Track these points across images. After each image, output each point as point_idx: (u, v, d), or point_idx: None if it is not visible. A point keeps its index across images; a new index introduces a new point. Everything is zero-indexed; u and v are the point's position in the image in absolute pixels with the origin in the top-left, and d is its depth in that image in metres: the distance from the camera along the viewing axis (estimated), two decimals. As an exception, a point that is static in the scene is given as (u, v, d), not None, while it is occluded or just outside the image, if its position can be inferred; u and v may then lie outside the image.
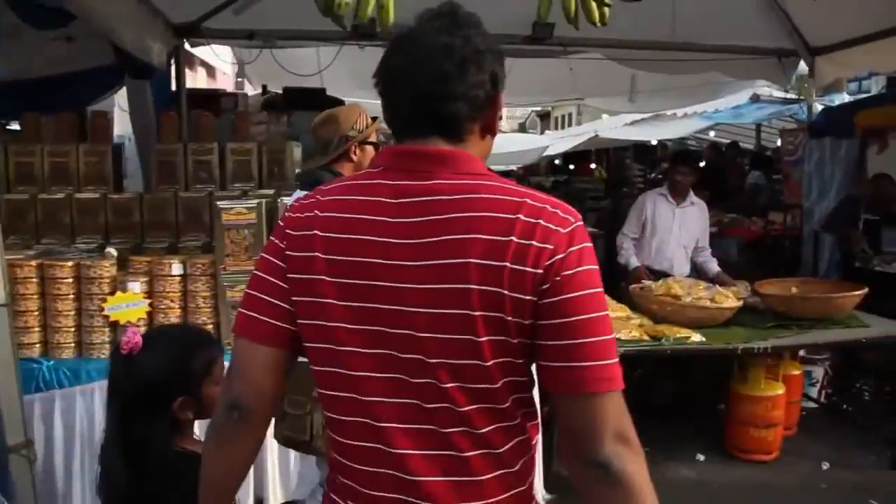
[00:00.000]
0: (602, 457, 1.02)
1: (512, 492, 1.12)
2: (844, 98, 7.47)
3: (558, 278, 1.03)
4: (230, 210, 3.21)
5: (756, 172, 8.76)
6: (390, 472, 1.10)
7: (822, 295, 3.97)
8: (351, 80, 6.91)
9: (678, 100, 8.25)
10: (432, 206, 1.07)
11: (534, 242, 1.03)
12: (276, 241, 1.18)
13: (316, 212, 1.14)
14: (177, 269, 3.17)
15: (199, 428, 1.78)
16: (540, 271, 1.03)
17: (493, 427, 1.08)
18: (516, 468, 1.12)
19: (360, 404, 1.11)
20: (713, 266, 4.75)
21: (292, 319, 1.15)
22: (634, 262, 4.67)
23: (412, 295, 1.06)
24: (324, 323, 1.12)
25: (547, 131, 20.75)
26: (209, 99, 5.80)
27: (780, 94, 8.01)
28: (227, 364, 1.25)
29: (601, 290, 1.07)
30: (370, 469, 1.12)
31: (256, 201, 3.23)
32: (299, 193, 2.28)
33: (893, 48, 5.58)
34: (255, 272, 1.20)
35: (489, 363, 1.05)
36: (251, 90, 7.31)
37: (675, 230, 4.63)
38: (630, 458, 1.04)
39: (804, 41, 6.26)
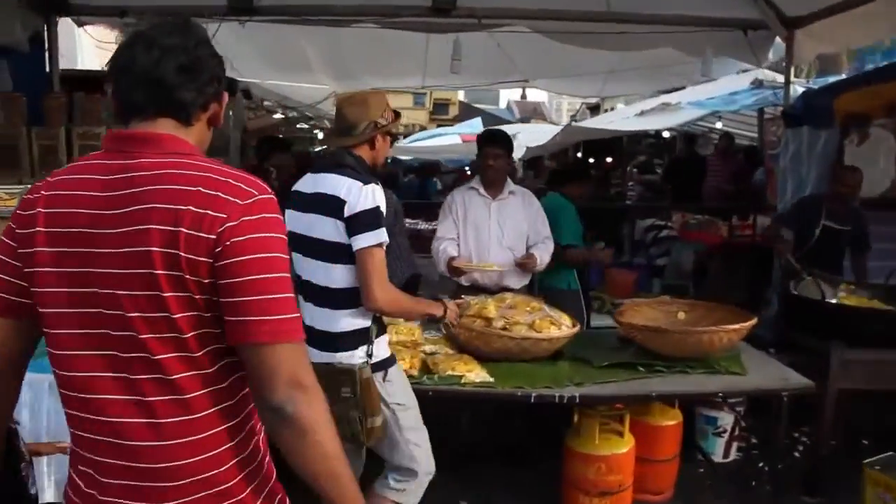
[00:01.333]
0: (276, 402, 1.20)
1: (196, 436, 1.24)
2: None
3: (229, 243, 1.19)
4: None
5: (763, 168, 7.58)
6: (94, 417, 1.25)
7: (677, 329, 3.05)
8: (251, 59, 6.51)
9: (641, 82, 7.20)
10: (132, 181, 1.22)
11: (209, 212, 1.19)
12: (11, 223, 1.32)
13: (42, 192, 1.29)
14: None
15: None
16: (213, 236, 1.19)
17: (183, 375, 1.22)
18: (200, 415, 1.24)
19: (77, 359, 1.25)
20: (533, 249, 3.68)
21: (28, 293, 1.28)
22: (449, 252, 3.61)
23: (114, 258, 1.21)
24: (44, 289, 1.26)
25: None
26: (93, 81, 5.40)
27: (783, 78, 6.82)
28: None
29: (278, 255, 1.22)
30: (81, 414, 1.27)
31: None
32: (348, 180, 2.32)
33: (876, 15, 4.50)
34: None
35: (176, 316, 1.20)
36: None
37: (494, 228, 3.65)
38: (303, 401, 1.21)
39: (777, 11, 5.20)
